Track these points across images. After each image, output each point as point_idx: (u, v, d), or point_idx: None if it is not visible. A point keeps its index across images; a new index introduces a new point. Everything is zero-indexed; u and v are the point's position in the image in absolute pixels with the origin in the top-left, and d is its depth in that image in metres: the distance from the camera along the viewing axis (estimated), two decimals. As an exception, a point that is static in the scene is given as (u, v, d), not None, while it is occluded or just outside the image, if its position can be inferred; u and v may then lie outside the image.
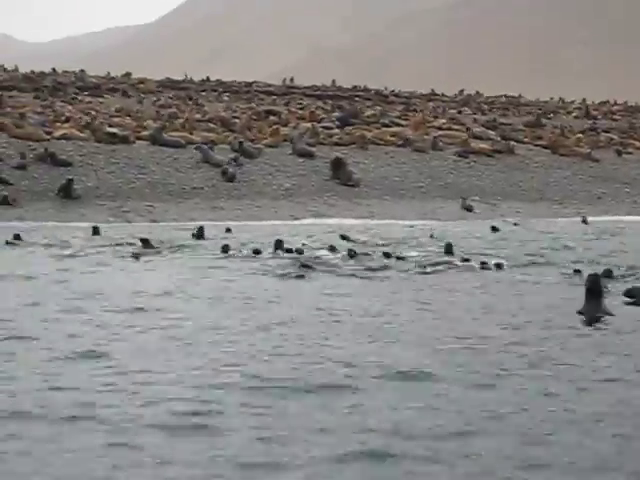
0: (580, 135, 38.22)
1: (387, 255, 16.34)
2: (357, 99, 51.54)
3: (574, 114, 53.14)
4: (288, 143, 32.68)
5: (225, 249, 17.01)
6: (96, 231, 20.54)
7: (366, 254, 16.62)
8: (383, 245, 18.63)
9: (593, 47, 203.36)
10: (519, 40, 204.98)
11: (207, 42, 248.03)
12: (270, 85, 56.95)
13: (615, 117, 52.65)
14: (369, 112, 39.96)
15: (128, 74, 55.34)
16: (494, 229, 22.82)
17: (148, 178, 28.45)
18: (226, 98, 46.92)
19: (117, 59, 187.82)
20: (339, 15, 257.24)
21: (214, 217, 25.43)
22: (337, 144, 33.49)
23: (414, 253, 16.91)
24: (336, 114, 38.39)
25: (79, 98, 40.08)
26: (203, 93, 50.50)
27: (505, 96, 61.41)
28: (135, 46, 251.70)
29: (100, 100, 40.48)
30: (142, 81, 52.73)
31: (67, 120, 32.35)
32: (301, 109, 40.65)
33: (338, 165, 30.26)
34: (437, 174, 32.18)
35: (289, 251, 16.72)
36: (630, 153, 37.18)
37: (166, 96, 44.81)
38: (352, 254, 16.20)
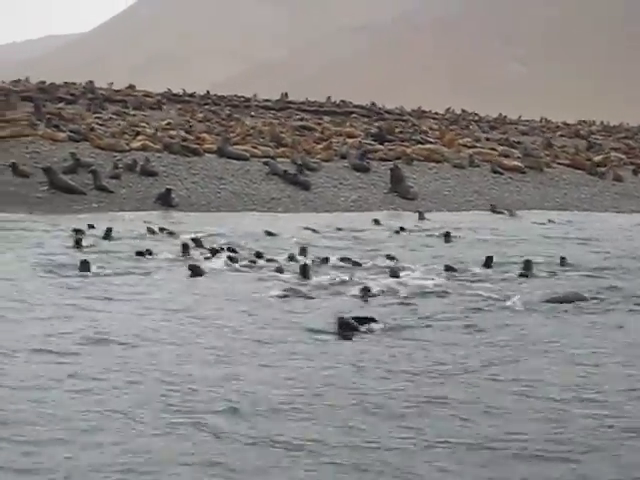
0: (606, 155, 40.83)
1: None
2: (354, 115, 53.73)
3: (559, 133, 56.01)
4: (338, 158, 35.00)
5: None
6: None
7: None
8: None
9: (528, 65, 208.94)
10: (454, 57, 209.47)
11: (142, 53, 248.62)
12: (268, 100, 58.79)
13: (597, 137, 55.69)
14: (397, 129, 42.15)
15: (132, 86, 56.76)
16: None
17: (230, 188, 30.37)
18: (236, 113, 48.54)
19: (54, 67, 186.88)
20: (274, 28, 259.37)
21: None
22: (382, 159, 35.68)
23: None
24: (371, 130, 40.61)
25: (125, 111, 41.66)
26: (206, 107, 52.23)
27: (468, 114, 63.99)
28: (71, 54, 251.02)
29: (143, 114, 42.17)
30: (147, 94, 54.27)
31: (137, 133, 34.03)
32: (337, 125, 42.77)
33: (396, 176, 32.45)
34: (481, 189, 34.56)
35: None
36: (643, 172, 40.12)
37: (206, 110, 46.50)
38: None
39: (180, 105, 51.51)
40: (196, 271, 15.27)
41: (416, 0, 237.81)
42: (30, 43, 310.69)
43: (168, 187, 28.37)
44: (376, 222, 25.76)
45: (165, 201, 27.95)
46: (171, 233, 20.99)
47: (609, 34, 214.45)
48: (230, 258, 16.74)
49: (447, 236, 21.96)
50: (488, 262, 16.68)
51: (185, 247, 17.11)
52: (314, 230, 22.98)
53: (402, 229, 23.98)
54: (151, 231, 21.05)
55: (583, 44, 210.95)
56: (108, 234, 19.97)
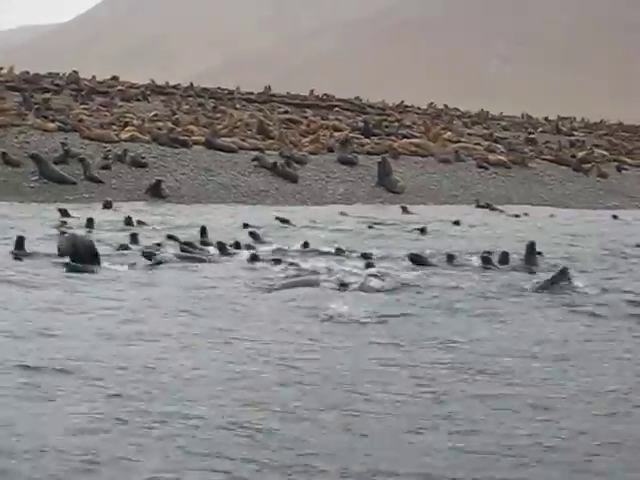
0: (589, 152, 41.16)
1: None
2: (336, 109, 53.86)
3: (540, 129, 56.32)
4: (325, 151, 35.24)
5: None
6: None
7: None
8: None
9: (513, 64, 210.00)
10: (439, 53, 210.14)
11: (123, 43, 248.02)
12: (251, 93, 58.81)
13: (575, 133, 56.06)
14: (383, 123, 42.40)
15: (115, 78, 56.73)
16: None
17: (218, 180, 30.54)
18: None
19: (31, 57, 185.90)
20: (258, 20, 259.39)
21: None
22: (369, 153, 35.91)
23: None
24: (357, 124, 40.89)
25: (114, 102, 41.75)
26: (190, 99, 52.25)
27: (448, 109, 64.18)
28: (50, 45, 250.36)
29: (129, 105, 42.23)
30: (131, 86, 54.26)
31: (126, 124, 34.11)
32: (323, 118, 42.99)
33: (385, 172, 32.69)
34: (467, 184, 34.88)
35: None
36: (626, 169, 40.49)
37: (192, 101, 46.61)
38: None
39: (164, 97, 51.45)
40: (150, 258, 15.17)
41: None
42: (7, 33, 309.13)
43: (158, 178, 28.54)
44: (343, 214, 25.98)
45: (155, 192, 28.12)
46: (150, 226, 20.90)
47: (590, 33, 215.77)
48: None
49: (423, 231, 22.04)
50: (486, 259, 16.43)
51: (158, 245, 16.91)
52: (288, 222, 23.05)
53: (375, 224, 24.02)
54: (128, 222, 20.73)
55: (565, 43, 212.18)
56: (90, 224, 19.96)
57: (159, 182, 28.28)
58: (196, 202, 28.21)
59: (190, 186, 29.58)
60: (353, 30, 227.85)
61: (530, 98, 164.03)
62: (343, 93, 64.99)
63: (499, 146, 40.35)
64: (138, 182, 28.98)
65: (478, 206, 31.52)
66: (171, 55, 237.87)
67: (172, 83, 58.92)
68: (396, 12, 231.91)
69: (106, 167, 29.22)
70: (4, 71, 53.14)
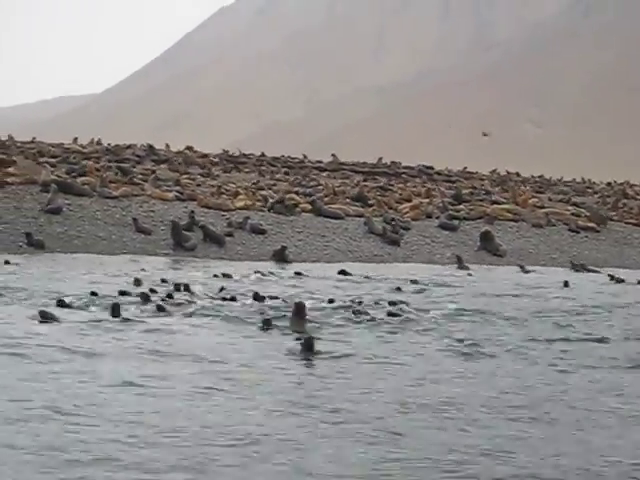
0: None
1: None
2: (404, 176, 55.30)
3: (605, 193, 57.39)
4: (424, 217, 36.68)
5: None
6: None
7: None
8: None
9: (543, 127, 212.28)
10: (468, 118, 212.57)
11: (157, 112, 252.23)
12: (319, 161, 60.37)
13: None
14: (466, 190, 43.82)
15: (190, 147, 58.44)
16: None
17: (334, 245, 31.90)
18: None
19: (69, 127, 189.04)
20: (292, 89, 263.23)
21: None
22: (465, 218, 37.27)
23: None
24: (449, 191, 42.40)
25: (212, 172, 43.37)
26: (263, 168, 53.82)
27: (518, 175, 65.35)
28: (86, 114, 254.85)
29: (227, 174, 43.88)
30: (205, 155, 55.95)
31: (237, 193, 35.64)
32: (414, 187, 44.44)
33: (487, 237, 34.05)
34: (562, 247, 36.11)
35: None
36: None
37: (281, 171, 48.19)
38: None
39: (240, 166, 53.03)
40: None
41: (431, 62, 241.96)
42: (43, 103, 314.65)
43: (283, 244, 29.93)
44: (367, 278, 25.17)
45: (280, 257, 29.45)
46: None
47: (628, 101, 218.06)
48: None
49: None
50: None
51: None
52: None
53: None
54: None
55: (600, 110, 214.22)
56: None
57: (284, 248, 29.64)
58: (320, 266, 29.48)
59: (309, 251, 30.93)
60: (385, 96, 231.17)
61: (563, 160, 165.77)
62: (377, 157, 66.47)
63: (583, 210, 41.58)
64: (260, 248, 30.38)
65: (574, 269, 32.69)
66: (207, 124, 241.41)
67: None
68: (427, 77, 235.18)
69: (229, 234, 30.64)
70: (80, 141, 55.08)
